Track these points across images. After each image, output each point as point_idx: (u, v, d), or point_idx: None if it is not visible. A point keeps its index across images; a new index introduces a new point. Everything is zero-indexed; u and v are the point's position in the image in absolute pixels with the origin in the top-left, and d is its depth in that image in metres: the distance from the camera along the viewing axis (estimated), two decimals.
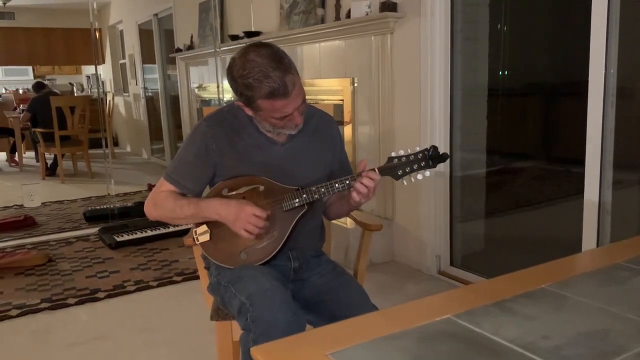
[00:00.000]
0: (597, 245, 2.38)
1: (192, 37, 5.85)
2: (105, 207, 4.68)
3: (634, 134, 2.42)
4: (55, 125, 6.17)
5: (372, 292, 1.63)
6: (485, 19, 3.14)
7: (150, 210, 1.64)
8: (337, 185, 1.53)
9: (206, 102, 5.86)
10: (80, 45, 7.48)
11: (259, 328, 1.38)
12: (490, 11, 3.13)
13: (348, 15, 3.40)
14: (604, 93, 2.28)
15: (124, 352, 2.41)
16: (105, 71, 9.29)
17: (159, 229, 4.03)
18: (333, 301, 1.57)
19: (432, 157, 1.51)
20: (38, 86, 7.28)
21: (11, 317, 2.76)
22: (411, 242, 3.30)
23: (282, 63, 1.44)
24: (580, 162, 2.40)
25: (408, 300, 1.13)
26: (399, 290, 2.99)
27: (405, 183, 1.54)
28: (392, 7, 3.09)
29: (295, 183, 1.59)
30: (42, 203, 5.24)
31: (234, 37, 4.71)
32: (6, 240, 4.07)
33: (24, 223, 4.44)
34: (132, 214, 4.47)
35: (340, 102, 3.64)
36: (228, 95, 4.92)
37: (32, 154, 7.60)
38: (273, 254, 1.58)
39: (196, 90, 6.07)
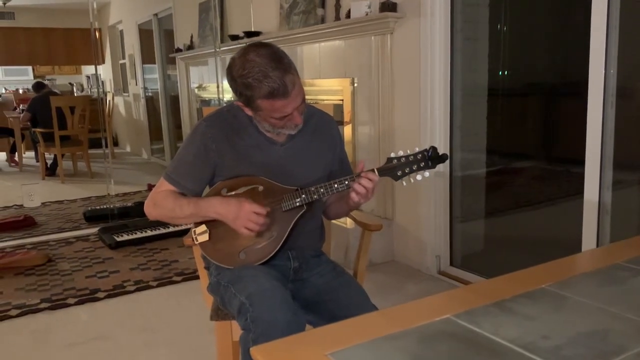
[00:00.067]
0: (597, 245, 2.38)
1: (192, 37, 5.85)
2: (105, 207, 4.68)
3: (633, 134, 2.42)
4: (55, 125, 6.18)
5: (372, 292, 1.63)
6: (485, 19, 3.14)
7: (150, 210, 1.64)
8: (336, 185, 1.53)
9: (206, 102, 5.86)
10: (80, 45, 7.47)
11: (258, 328, 1.38)
12: (490, 11, 3.13)
13: (348, 15, 3.40)
14: (604, 93, 2.28)
15: (123, 352, 2.41)
16: (105, 71, 9.29)
17: (159, 229, 4.03)
18: (333, 301, 1.57)
19: (431, 158, 1.51)
20: (38, 86, 7.28)
21: (11, 317, 2.76)
22: (411, 242, 3.30)
23: (281, 63, 1.44)
24: (580, 162, 2.40)
25: (408, 300, 1.13)
26: (399, 290, 2.99)
27: (404, 184, 1.54)
28: (392, 7, 3.09)
29: (295, 183, 1.59)
30: (42, 203, 5.24)
31: (234, 37, 4.71)
32: (6, 240, 4.07)
33: (24, 223, 4.44)
34: (132, 214, 4.47)
35: (340, 102, 3.64)
36: (228, 95, 4.92)
37: (32, 154, 7.60)
38: (272, 254, 1.58)
39: (196, 90, 6.07)
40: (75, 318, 2.76)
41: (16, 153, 7.40)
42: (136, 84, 8.05)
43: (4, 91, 9.78)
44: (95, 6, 5.04)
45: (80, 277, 3.28)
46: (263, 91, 1.43)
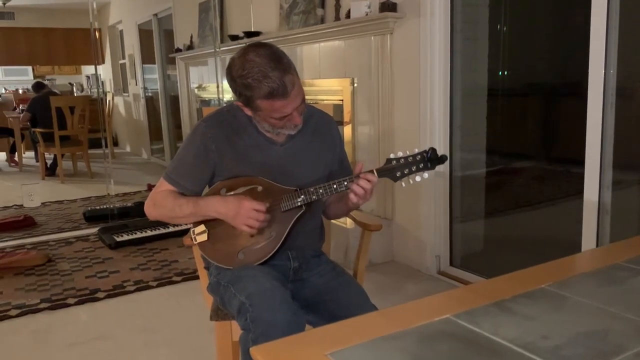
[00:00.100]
0: (597, 245, 2.38)
1: (191, 37, 5.85)
2: (104, 207, 4.68)
3: (633, 134, 2.42)
4: (55, 125, 6.18)
5: (371, 292, 1.63)
6: (485, 19, 3.14)
7: (150, 210, 1.64)
8: (335, 186, 1.53)
9: (206, 102, 5.86)
10: (80, 45, 7.48)
11: (258, 328, 1.38)
12: (490, 11, 3.13)
13: (348, 16, 3.40)
14: (604, 93, 2.28)
15: (123, 352, 2.41)
16: (105, 71, 9.30)
17: (159, 229, 4.03)
18: (333, 301, 1.57)
19: (430, 159, 1.51)
20: (38, 86, 7.29)
21: (11, 317, 2.76)
22: (411, 242, 3.30)
23: (281, 63, 1.44)
24: (580, 162, 2.40)
25: (407, 301, 1.13)
26: (399, 291, 2.99)
27: (403, 185, 1.54)
28: (392, 7, 3.09)
29: (295, 183, 1.59)
30: (42, 203, 5.24)
31: (234, 37, 4.71)
32: (6, 240, 4.07)
33: (24, 223, 4.44)
34: (131, 214, 4.47)
35: (340, 102, 3.64)
36: (228, 95, 4.92)
37: (31, 154, 7.61)
38: (270, 254, 1.58)
39: (196, 90, 6.07)
40: (75, 318, 2.76)
41: (16, 153, 7.41)
42: (136, 84, 8.05)
43: (3, 91, 9.78)
44: (95, 6, 5.05)
45: (80, 277, 3.28)
46: (262, 91, 1.43)
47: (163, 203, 1.61)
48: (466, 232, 3.28)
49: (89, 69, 9.98)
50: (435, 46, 2.98)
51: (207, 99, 5.85)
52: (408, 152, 1.53)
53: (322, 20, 3.77)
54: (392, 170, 1.52)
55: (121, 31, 8.55)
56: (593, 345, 0.92)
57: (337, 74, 3.66)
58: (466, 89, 3.11)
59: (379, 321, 1.09)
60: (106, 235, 3.98)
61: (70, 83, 10.19)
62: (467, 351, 0.91)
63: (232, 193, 1.58)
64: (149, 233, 3.99)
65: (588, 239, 2.40)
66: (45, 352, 2.44)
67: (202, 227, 1.61)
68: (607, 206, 2.37)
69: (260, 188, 1.58)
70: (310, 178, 1.63)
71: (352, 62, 3.52)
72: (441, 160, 1.52)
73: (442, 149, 3.07)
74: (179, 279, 3.21)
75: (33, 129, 6.59)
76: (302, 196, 1.55)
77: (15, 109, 8.17)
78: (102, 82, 9.07)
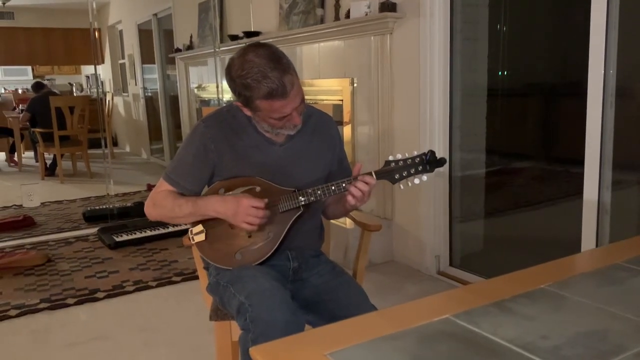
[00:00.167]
0: (596, 245, 2.38)
1: (191, 37, 5.85)
2: (104, 207, 4.68)
3: (633, 134, 2.42)
4: (55, 125, 6.18)
5: (371, 292, 1.63)
6: (484, 19, 3.14)
7: (150, 210, 1.64)
8: (333, 187, 1.53)
9: (205, 102, 5.86)
10: (80, 45, 7.48)
11: (258, 328, 1.38)
12: (490, 11, 3.13)
13: (347, 16, 3.40)
14: (603, 93, 2.28)
15: (123, 352, 2.41)
16: (104, 71, 9.30)
17: (159, 229, 4.03)
18: (332, 301, 1.57)
19: (429, 162, 1.51)
20: (37, 86, 7.28)
21: (10, 317, 2.76)
22: (410, 242, 3.30)
23: (280, 63, 1.44)
24: (580, 162, 2.40)
25: (407, 301, 1.13)
26: (398, 291, 2.99)
27: (402, 187, 1.54)
28: (392, 8, 3.09)
29: (294, 183, 1.59)
30: (41, 203, 5.23)
31: (234, 37, 4.71)
32: (5, 241, 4.07)
33: (23, 223, 4.44)
34: (131, 214, 4.47)
35: (340, 103, 3.64)
36: (227, 95, 4.92)
37: (31, 154, 7.61)
38: (268, 255, 1.58)
39: (195, 90, 6.07)
40: (75, 318, 2.76)
41: (15, 153, 7.41)
42: (136, 84, 8.05)
43: (3, 91, 9.78)
44: (94, 6, 5.04)
45: (79, 277, 3.28)
46: (262, 91, 1.43)
47: (162, 203, 1.61)
48: (466, 232, 3.28)
49: (88, 69, 9.98)
50: (435, 46, 2.98)
51: (206, 99, 5.85)
52: (407, 154, 1.53)
53: (322, 20, 3.77)
54: (391, 173, 1.52)
55: (121, 31, 8.55)
56: (592, 345, 0.92)
57: (337, 74, 3.66)
58: (466, 89, 3.11)
59: (379, 321, 1.09)
60: (106, 235, 3.98)
61: (69, 83, 10.19)
62: (466, 351, 0.91)
63: (230, 193, 1.58)
64: (149, 233, 3.99)
65: (588, 239, 2.40)
66: (44, 352, 2.44)
67: (199, 227, 1.61)
68: (607, 206, 2.37)
69: (258, 189, 1.58)
70: (310, 178, 1.63)
71: (351, 62, 3.52)
72: (440, 163, 1.52)
73: (442, 149, 3.07)
74: (178, 279, 3.21)
75: (32, 129, 6.58)
76: (300, 197, 1.55)
77: (14, 109, 8.17)
78: (102, 82, 9.07)
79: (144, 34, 7.64)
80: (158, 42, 7.31)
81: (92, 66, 5.89)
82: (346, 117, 3.59)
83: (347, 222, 3.27)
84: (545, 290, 1.15)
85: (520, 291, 1.14)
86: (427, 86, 3.02)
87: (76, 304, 2.91)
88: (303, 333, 1.32)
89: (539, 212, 3.24)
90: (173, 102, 7.03)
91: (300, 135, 1.63)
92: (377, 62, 3.28)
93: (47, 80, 9.53)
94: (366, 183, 1.51)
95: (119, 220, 4.37)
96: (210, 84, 5.64)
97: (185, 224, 1.66)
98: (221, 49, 5.03)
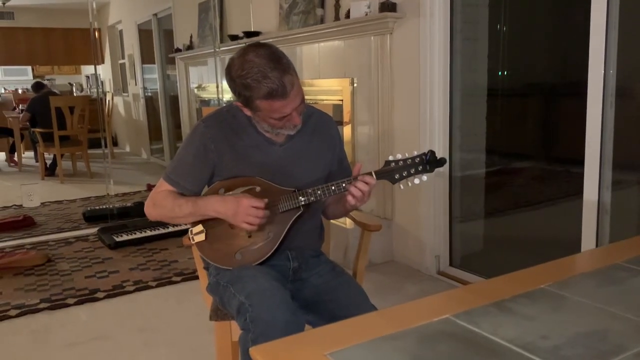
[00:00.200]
0: (596, 245, 2.38)
1: (191, 37, 5.85)
2: (104, 207, 4.68)
3: (633, 134, 2.42)
4: (55, 125, 6.18)
5: (371, 292, 1.63)
6: (484, 19, 3.14)
7: (150, 211, 1.64)
8: (333, 188, 1.53)
9: (205, 102, 5.86)
10: (80, 45, 7.48)
11: (258, 328, 1.38)
12: (490, 11, 3.13)
13: (347, 16, 3.40)
14: (603, 93, 2.28)
15: (123, 352, 2.41)
16: (104, 71, 9.30)
17: (159, 229, 4.03)
18: (332, 301, 1.57)
19: (429, 162, 1.51)
20: (37, 86, 7.29)
21: (10, 317, 2.76)
22: (410, 242, 3.30)
23: (280, 63, 1.44)
24: (580, 162, 2.40)
25: (407, 301, 1.13)
26: (398, 291, 2.99)
27: (402, 187, 1.54)
28: (392, 8, 3.09)
29: (294, 183, 1.59)
30: (41, 203, 5.23)
31: (234, 37, 4.71)
32: (5, 241, 4.07)
33: (23, 223, 4.44)
34: (131, 214, 4.47)
35: (340, 103, 3.64)
36: (227, 95, 4.92)
37: (31, 154, 7.61)
38: (268, 255, 1.58)
39: (195, 90, 6.07)
40: (75, 318, 2.76)
41: (15, 153, 7.41)
42: (135, 84, 8.05)
43: (3, 91, 9.78)
44: (94, 6, 5.04)
45: (79, 277, 3.28)
46: (262, 92, 1.43)
47: (163, 203, 1.61)
48: (466, 232, 3.28)
49: (88, 69, 9.99)
50: (435, 46, 2.98)
51: (206, 99, 5.85)
52: (407, 154, 1.53)
53: (322, 20, 3.77)
54: (391, 173, 1.52)
55: (121, 31, 8.55)
56: (592, 345, 0.92)
57: (337, 74, 3.66)
58: (466, 89, 3.11)
59: (379, 321, 1.09)
60: (106, 235, 3.98)
61: (69, 83, 10.20)
62: (466, 351, 0.91)
63: (230, 194, 1.58)
64: (149, 233, 3.99)
65: (587, 239, 2.40)
66: (44, 352, 2.44)
67: (199, 227, 1.61)
68: (607, 206, 2.37)
69: (258, 189, 1.58)
70: (310, 178, 1.63)
71: (351, 62, 3.52)
72: (440, 163, 1.52)
73: (442, 149, 3.07)
74: (178, 279, 3.21)
75: (32, 129, 6.58)
76: (300, 197, 1.55)
77: (14, 108, 8.17)
78: (102, 82, 9.07)
79: (144, 34, 7.64)
80: (158, 42, 7.31)
81: (92, 66, 5.90)
82: (346, 117, 3.59)
83: (347, 222, 3.27)
84: (545, 290, 1.15)
85: (520, 291, 1.14)
86: (427, 86, 3.02)
87: (76, 304, 2.91)
88: (303, 333, 1.32)
89: (539, 212, 3.23)
90: (173, 102, 7.04)
91: (300, 135, 1.63)
92: (377, 62, 3.28)
93: (47, 80, 9.53)
94: (366, 183, 1.51)
95: (119, 220, 4.37)
96: (210, 84, 5.64)
97: (186, 224, 1.66)
98: (221, 49, 5.03)
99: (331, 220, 1.93)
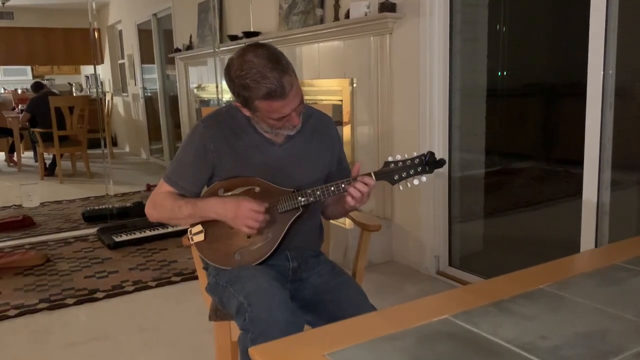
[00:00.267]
0: (596, 245, 2.38)
1: (191, 37, 5.85)
2: (104, 207, 4.68)
3: (632, 135, 2.43)
4: (54, 125, 6.18)
5: (370, 293, 1.63)
6: (484, 20, 3.15)
7: (150, 212, 1.64)
8: (332, 188, 1.53)
9: (205, 103, 5.86)
10: (79, 45, 7.49)
11: (257, 328, 1.38)
12: (489, 11, 3.13)
13: (347, 16, 3.40)
14: (603, 94, 2.28)
15: (123, 352, 2.41)
16: (104, 71, 9.30)
17: (158, 229, 4.03)
18: (332, 301, 1.57)
19: (428, 163, 1.51)
20: (37, 86, 7.28)
21: (9, 317, 2.76)
22: (410, 242, 3.30)
23: (279, 64, 1.44)
24: (579, 162, 2.40)
25: (407, 301, 1.13)
26: (398, 291, 2.99)
27: (401, 188, 1.54)
28: (391, 8, 3.09)
29: (294, 184, 1.59)
30: (41, 203, 5.23)
31: (233, 38, 4.71)
32: (4, 241, 4.07)
33: (23, 223, 4.43)
34: (130, 214, 4.47)
35: (339, 103, 3.64)
36: (227, 95, 4.92)
37: (30, 154, 7.61)
38: (267, 255, 1.58)
39: (195, 90, 6.07)
40: (74, 318, 2.76)
41: (15, 153, 7.40)
42: (135, 84, 8.05)
43: (2, 91, 9.78)
44: (94, 6, 5.04)
45: (79, 278, 3.28)
46: (261, 92, 1.43)
47: (162, 204, 1.61)
48: (465, 233, 3.28)
49: (88, 69, 9.99)
50: (434, 46, 2.98)
51: (206, 99, 5.85)
52: (406, 155, 1.53)
53: (322, 21, 3.77)
54: (390, 174, 1.52)
55: (120, 31, 8.55)
56: (592, 346, 0.93)
57: (337, 74, 3.66)
58: (465, 89, 3.11)
59: (378, 321, 1.09)
60: (105, 235, 3.98)
61: (69, 83, 10.20)
62: (465, 351, 0.91)
63: (229, 194, 1.58)
64: (148, 233, 3.99)
65: (587, 239, 2.40)
66: (44, 352, 2.44)
67: (199, 227, 1.61)
68: (606, 206, 2.37)
69: (257, 189, 1.58)
70: (309, 178, 1.63)
71: (351, 62, 3.52)
72: (439, 164, 1.52)
73: (442, 149, 3.07)
74: (177, 279, 3.21)
75: (32, 129, 6.58)
76: (300, 198, 1.55)
77: (14, 109, 8.17)
78: (101, 82, 9.07)
79: (143, 34, 7.64)
80: (158, 42, 7.31)
81: (92, 66, 5.90)
82: (346, 117, 3.59)
83: (346, 222, 3.27)
84: (545, 291, 1.15)
85: (519, 291, 1.14)
86: (426, 86, 3.02)
87: (75, 304, 2.91)
88: (302, 333, 1.32)
89: (539, 213, 3.24)
90: (172, 102, 7.04)
91: (299, 135, 1.63)
92: (377, 62, 3.28)
93: (47, 80, 9.54)
94: (365, 184, 1.51)
95: (119, 221, 4.37)
96: (209, 84, 5.64)
97: (186, 225, 1.66)
98: (221, 49, 5.03)
99: (330, 221, 1.93)
